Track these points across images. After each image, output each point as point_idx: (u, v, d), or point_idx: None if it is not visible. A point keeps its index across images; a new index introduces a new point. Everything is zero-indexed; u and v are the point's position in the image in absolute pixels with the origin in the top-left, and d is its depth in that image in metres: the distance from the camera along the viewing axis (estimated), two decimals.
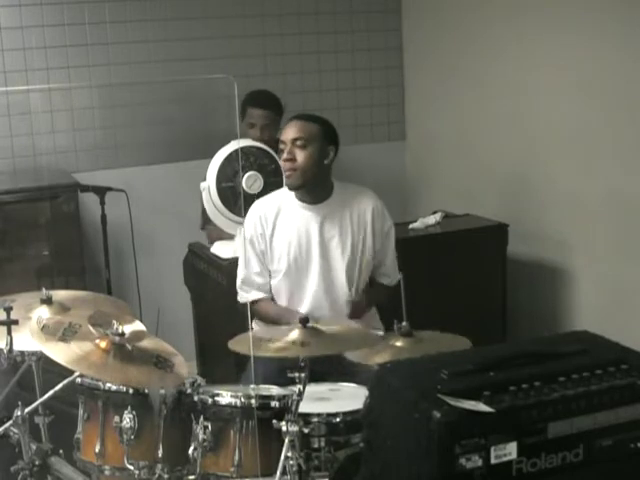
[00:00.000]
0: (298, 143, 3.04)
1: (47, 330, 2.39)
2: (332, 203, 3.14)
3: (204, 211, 3.74)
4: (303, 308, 3.11)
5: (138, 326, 2.54)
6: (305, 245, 3.13)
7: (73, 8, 4.31)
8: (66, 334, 2.38)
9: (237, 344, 2.52)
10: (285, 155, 3.06)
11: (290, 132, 3.07)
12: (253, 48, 4.66)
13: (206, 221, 3.84)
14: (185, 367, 2.50)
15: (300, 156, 3.04)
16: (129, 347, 2.40)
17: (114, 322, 2.39)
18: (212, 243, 3.88)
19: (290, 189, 3.12)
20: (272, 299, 3.22)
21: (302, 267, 3.14)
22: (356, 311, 3.16)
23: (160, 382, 2.45)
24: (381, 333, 3.09)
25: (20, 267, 3.93)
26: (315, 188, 3.11)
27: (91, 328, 2.40)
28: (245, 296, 3.22)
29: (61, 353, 2.31)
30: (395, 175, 5.05)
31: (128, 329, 2.44)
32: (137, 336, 2.46)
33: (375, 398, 1.90)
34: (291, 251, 3.13)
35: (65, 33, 4.32)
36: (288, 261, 3.14)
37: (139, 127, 4.52)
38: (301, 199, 3.13)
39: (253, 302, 3.18)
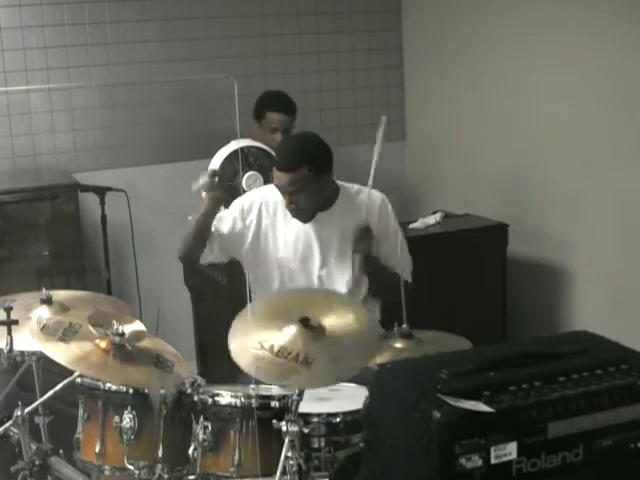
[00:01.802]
0: (295, 195, 2.97)
1: (47, 330, 2.39)
2: (336, 209, 3.10)
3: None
4: None
5: (138, 326, 2.54)
6: (304, 248, 3.08)
7: (73, 8, 4.31)
8: (66, 334, 2.38)
9: (237, 346, 2.51)
10: (287, 204, 3.01)
11: (284, 185, 2.97)
12: (253, 48, 4.66)
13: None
14: (185, 367, 2.50)
15: (302, 201, 3.00)
16: (129, 347, 2.40)
17: (114, 322, 2.39)
18: None
19: (301, 222, 3.09)
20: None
21: (299, 269, 3.10)
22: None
23: (160, 382, 2.45)
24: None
25: (20, 267, 3.93)
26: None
27: (91, 328, 2.40)
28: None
29: (61, 353, 2.31)
30: (395, 175, 5.05)
31: (128, 329, 2.44)
32: (137, 336, 2.46)
33: (375, 398, 1.90)
34: (287, 251, 3.08)
35: (65, 33, 4.32)
36: (284, 260, 3.09)
37: (139, 127, 4.52)
38: None
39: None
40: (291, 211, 3.04)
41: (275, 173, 3.00)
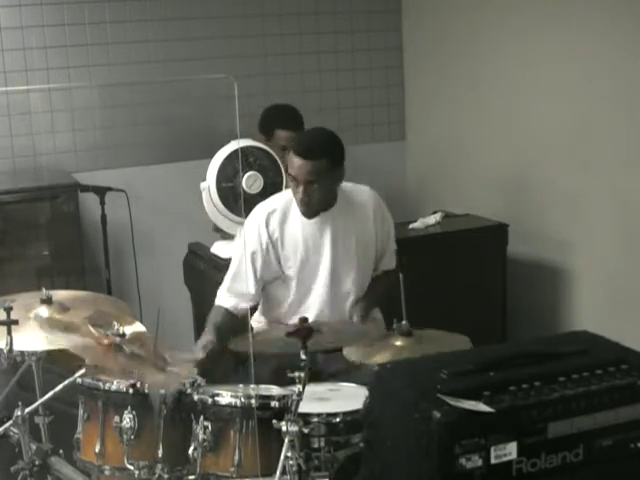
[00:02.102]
0: (311, 185, 2.99)
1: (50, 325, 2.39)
2: (336, 209, 3.13)
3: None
4: (307, 314, 3.04)
5: (138, 327, 2.54)
6: (312, 252, 3.10)
7: (73, 8, 4.30)
8: (68, 331, 2.38)
9: (238, 343, 2.53)
10: (300, 195, 3.01)
11: (301, 174, 2.99)
12: (253, 48, 4.65)
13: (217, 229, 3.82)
14: (185, 368, 2.50)
15: (315, 195, 3.01)
16: (129, 349, 2.41)
17: (114, 323, 2.39)
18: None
19: (306, 218, 3.10)
20: (255, 308, 3.20)
21: (308, 274, 3.12)
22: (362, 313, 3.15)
23: (161, 382, 2.45)
24: (377, 316, 3.18)
25: (20, 267, 3.93)
26: None
27: (91, 328, 2.40)
28: (227, 300, 3.15)
29: (69, 342, 2.31)
30: (395, 175, 5.05)
31: (129, 330, 2.44)
32: (137, 338, 2.46)
33: (375, 398, 1.90)
34: (297, 258, 3.11)
35: (65, 33, 4.31)
36: (295, 267, 3.12)
37: (139, 127, 4.52)
38: None
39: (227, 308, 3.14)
40: (301, 201, 3.04)
41: (294, 161, 3.01)
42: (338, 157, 3.07)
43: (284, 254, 3.12)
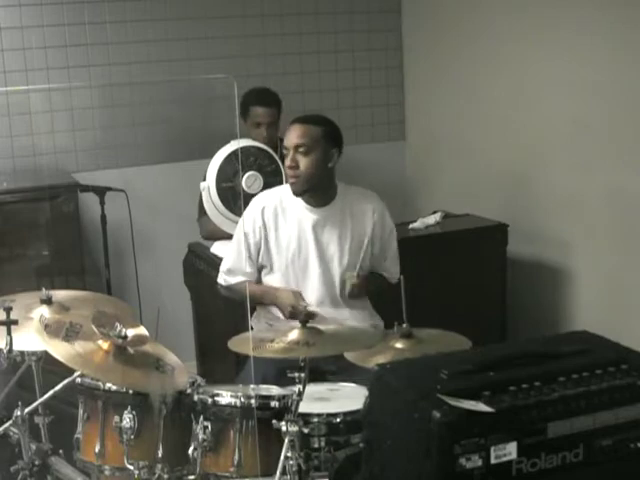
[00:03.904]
0: (301, 150, 3.01)
1: (50, 330, 2.39)
2: (334, 206, 3.14)
3: (201, 202, 3.72)
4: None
5: (141, 330, 2.54)
6: (304, 247, 3.13)
7: (73, 8, 4.30)
8: (68, 334, 2.38)
9: (237, 344, 2.53)
10: (288, 162, 3.03)
11: (293, 138, 3.03)
12: (253, 48, 4.66)
13: (202, 213, 3.82)
14: (185, 375, 2.50)
15: (303, 163, 3.02)
16: (131, 350, 2.40)
17: (117, 324, 2.39)
18: (206, 234, 3.88)
19: (294, 195, 3.11)
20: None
21: (300, 268, 3.14)
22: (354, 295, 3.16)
23: (160, 385, 2.44)
24: (379, 323, 3.17)
25: (20, 267, 3.93)
26: (319, 191, 3.11)
27: (94, 328, 2.40)
28: (228, 279, 3.22)
29: (65, 353, 2.31)
30: (395, 175, 5.05)
31: (131, 332, 2.44)
32: (139, 340, 2.46)
33: (375, 398, 1.90)
34: (290, 251, 3.13)
35: (65, 33, 4.31)
36: (286, 260, 3.14)
37: (139, 127, 4.52)
38: (305, 200, 3.13)
39: (235, 284, 3.20)
40: (289, 168, 3.04)
41: (291, 129, 3.06)
42: (334, 134, 3.09)
43: (277, 243, 3.14)
